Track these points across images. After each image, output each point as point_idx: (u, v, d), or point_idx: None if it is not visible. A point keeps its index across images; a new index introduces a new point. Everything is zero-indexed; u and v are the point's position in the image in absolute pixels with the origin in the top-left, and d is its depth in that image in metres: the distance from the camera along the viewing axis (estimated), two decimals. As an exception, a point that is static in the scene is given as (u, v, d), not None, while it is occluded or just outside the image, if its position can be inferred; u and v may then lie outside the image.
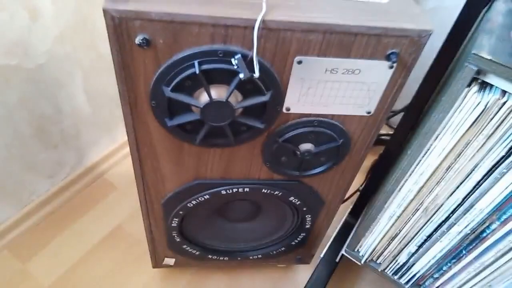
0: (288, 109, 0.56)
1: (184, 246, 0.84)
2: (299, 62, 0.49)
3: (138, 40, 0.44)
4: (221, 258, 0.90)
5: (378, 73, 0.52)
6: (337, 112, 0.58)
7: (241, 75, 0.46)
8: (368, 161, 1.20)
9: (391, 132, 0.96)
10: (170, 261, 0.90)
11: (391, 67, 0.51)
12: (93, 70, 1.01)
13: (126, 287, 0.97)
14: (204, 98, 0.50)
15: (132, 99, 0.52)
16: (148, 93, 0.51)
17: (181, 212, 0.72)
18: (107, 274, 0.98)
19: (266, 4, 0.45)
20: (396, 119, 0.84)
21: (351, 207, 1.02)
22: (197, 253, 0.87)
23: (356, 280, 1.03)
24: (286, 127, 0.58)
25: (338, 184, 0.73)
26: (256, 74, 0.46)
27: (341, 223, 1.01)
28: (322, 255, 0.94)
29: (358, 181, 0.99)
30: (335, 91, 0.54)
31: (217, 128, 0.54)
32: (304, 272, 1.04)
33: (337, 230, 0.98)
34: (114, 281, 0.97)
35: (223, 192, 0.69)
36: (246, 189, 0.69)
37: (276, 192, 0.71)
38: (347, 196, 1.11)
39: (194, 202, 0.70)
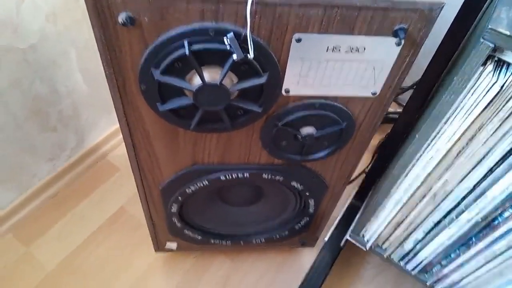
0: (287, 91, 0.52)
1: (185, 231, 0.82)
2: (298, 40, 0.45)
3: (121, 18, 0.41)
4: (224, 243, 0.89)
5: (385, 51, 0.48)
6: (340, 94, 0.54)
7: (235, 56, 0.42)
8: (375, 140, 1.16)
9: (400, 110, 0.92)
10: (172, 245, 0.89)
11: (399, 44, 0.47)
12: (87, 49, 0.97)
13: (129, 270, 0.96)
14: (196, 81, 0.47)
15: (121, 83, 0.49)
16: (136, 76, 0.47)
17: (180, 198, 0.70)
18: (110, 257, 0.98)
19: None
20: (406, 96, 0.79)
21: (356, 189, 0.99)
22: (199, 237, 0.85)
23: (361, 264, 1.02)
24: (286, 110, 0.55)
25: (342, 168, 0.70)
26: (251, 54, 0.42)
27: (346, 205, 0.98)
28: (326, 239, 0.92)
29: (364, 162, 0.95)
30: (338, 71, 0.50)
31: (212, 113, 0.51)
32: (308, 255, 1.02)
33: (342, 213, 0.95)
34: (117, 264, 0.97)
35: (222, 177, 0.66)
36: (246, 174, 0.67)
37: (278, 177, 0.68)
38: (352, 177, 1.08)
39: (192, 187, 0.68)
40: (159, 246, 0.90)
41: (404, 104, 0.71)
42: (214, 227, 0.86)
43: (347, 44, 0.47)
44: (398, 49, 0.48)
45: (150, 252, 0.98)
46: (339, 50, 0.47)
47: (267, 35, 0.44)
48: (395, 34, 0.46)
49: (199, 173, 0.65)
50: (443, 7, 0.44)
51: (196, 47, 0.43)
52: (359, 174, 1.06)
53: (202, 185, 0.67)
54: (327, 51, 0.47)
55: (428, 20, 0.45)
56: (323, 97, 0.54)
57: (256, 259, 1.01)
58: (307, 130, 0.59)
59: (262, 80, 0.48)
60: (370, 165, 0.98)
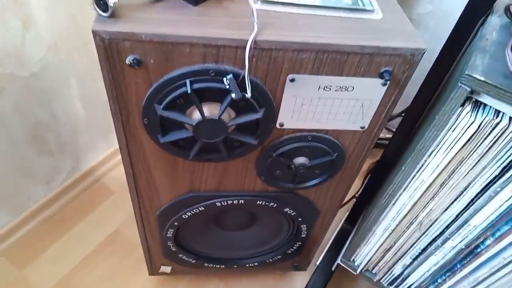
0: (281, 125, 0.55)
1: (180, 255, 0.84)
2: (292, 80, 0.49)
3: (128, 60, 0.44)
4: (218, 266, 0.90)
5: (372, 90, 0.52)
6: (331, 127, 0.57)
7: (233, 95, 0.46)
8: (366, 164, 1.20)
9: (389, 136, 0.95)
10: (167, 269, 0.90)
11: (385, 84, 0.51)
12: (87, 75, 1.00)
13: (123, 293, 0.97)
14: (196, 115, 0.50)
15: (125, 117, 0.51)
16: (140, 111, 0.50)
17: (176, 223, 0.72)
18: (104, 280, 0.99)
19: (258, 23, 0.45)
20: (396, 122, 0.83)
21: (347, 213, 1.02)
22: (193, 261, 0.87)
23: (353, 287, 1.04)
24: (280, 142, 0.58)
25: (333, 195, 0.73)
26: (248, 94, 0.46)
27: (337, 229, 1.01)
28: (318, 263, 0.94)
29: (355, 186, 0.98)
30: (328, 107, 0.54)
31: (211, 144, 0.54)
32: (300, 279, 1.04)
33: (333, 237, 0.98)
34: (112, 287, 0.97)
35: (218, 204, 0.69)
36: (241, 201, 0.69)
37: (271, 204, 0.71)
38: (344, 201, 1.11)
39: (189, 213, 0.70)
40: (153, 270, 0.91)
41: (394, 130, 0.75)
42: (209, 251, 0.87)
43: (337, 84, 0.50)
44: (384, 89, 0.52)
45: (144, 275, 0.99)
46: (330, 89, 0.51)
47: (263, 75, 0.48)
48: (380, 75, 0.50)
49: (196, 200, 0.68)
50: (424, 52, 0.48)
51: (197, 86, 0.47)
52: (351, 198, 1.09)
53: (198, 211, 0.69)
54: (318, 89, 0.51)
55: (410, 63, 0.49)
56: (315, 130, 0.58)
57: (249, 283, 1.02)
58: (300, 160, 0.62)
59: (258, 115, 0.51)
60: (361, 190, 1.01)
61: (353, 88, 0.51)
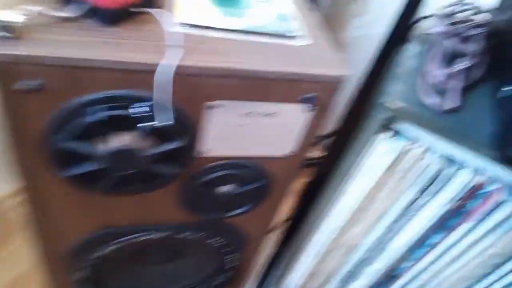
0: (204, 153, 0.52)
1: (97, 297, 0.75)
2: (213, 107, 0.46)
3: (26, 85, 0.38)
4: (141, 304, 0.83)
5: (296, 116, 0.51)
6: (256, 154, 0.55)
7: (143, 124, 0.42)
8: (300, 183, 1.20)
9: (322, 155, 0.96)
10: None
11: (310, 110, 0.50)
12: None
13: None
14: (107, 145, 0.45)
15: (23, 148, 0.44)
16: (42, 141, 0.44)
17: (89, 262, 0.64)
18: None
19: (176, 48, 0.42)
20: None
21: (281, 237, 1.00)
22: (113, 302, 0.78)
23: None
24: (203, 170, 0.55)
25: (261, 221, 0.71)
26: (159, 122, 0.42)
27: (271, 254, 0.99)
28: (250, 291, 0.90)
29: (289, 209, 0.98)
30: (253, 134, 0.52)
31: (126, 175, 0.49)
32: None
33: (268, 263, 0.95)
34: None
35: (137, 239, 0.63)
36: (163, 235, 0.64)
37: (197, 235, 0.67)
38: (278, 225, 1.10)
39: (104, 251, 0.63)
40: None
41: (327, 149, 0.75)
42: (131, 288, 0.80)
43: (261, 110, 0.49)
44: (309, 114, 0.51)
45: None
46: (253, 115, 0.49)
47: (182, 102, 0.44)
48: (305, 101, 0.49)
49: (111, 236, 0.61)
50: (346, 79, 0.48)
51: (105, 114, 0.42)
52: (284, 221, 1.08)
53: (114, 248, 0.63)
54: (241, 116, 0.49)
55: (333, 90, 0.49)
56: (241, 157, 0.55)
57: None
58: (226, 188, 0.59)
59: (176, 144, 0.47)
60: (293, 213, 1.01)
61: (278, 114, 0.50)
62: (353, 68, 0.50)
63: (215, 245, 0.72)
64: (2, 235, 1.02)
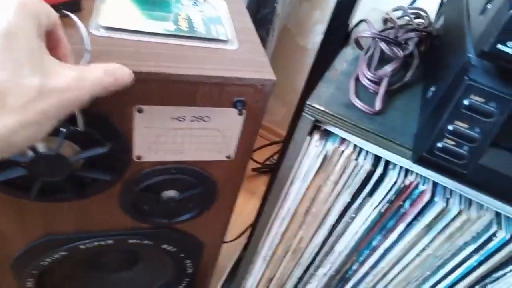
0: (139, 158, 0.52)
1: (48, 307, 0.74)
2: (140, 111, 0.46)
3: None
4: (98, 313, 0.82)
5: (229, 120, 0.51)
6: (195, 158, 0.55)
7: (63, 129, 0.41)
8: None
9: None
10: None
11: (240, 114, 0.50)
12: None
13: None
14: (31, 150, 0.44)
15: None
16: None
17: (34, 272, 0.63)
18: None
19: (95, 51, 0.41)
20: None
21: (245, 243, 1.00)
22: (67, 311, 0.77)
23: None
24: (141, 175, 0.54)
25: (214, 226, 0.70)
26: (81, 127, 0.42)
27: (234, 260, 0.98)
28: (212, 297, 0.90)
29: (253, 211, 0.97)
30: (188, 138, 0.52)
31: (55, 182, 0.48)
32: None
33: (229, 268, 0.95)
34: None
35: (82, 246, 0.62)
36: (110, 241, 0.63)
37: (146, 242, 0.66)
38: (242, 231, 1.10)
39: (49, 259, 0.62)
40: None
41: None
42: (85, 297, 0.79)
43: (192, 114, 0.49)
44: (241, 119, 0.51)
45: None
46: (185, 119, 0.49)
47: (107, 106, 0.44)
48: (234, 105, 0.49)
49: (54, 244, 0.60)
50: (274, 83, 0.48)
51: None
52: (248, 226, 1.08)
53: (59, 255, 0.62)
54: (172, 120, 0.48)
55: (262, 94, 0.49)
56: (179, 162, 0.55)
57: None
58: (169, 193, 0.58)
59: (104, 149, 0.47)
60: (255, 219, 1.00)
61: (210, 118, 0.50)
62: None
63: (171, 251, 0.71)
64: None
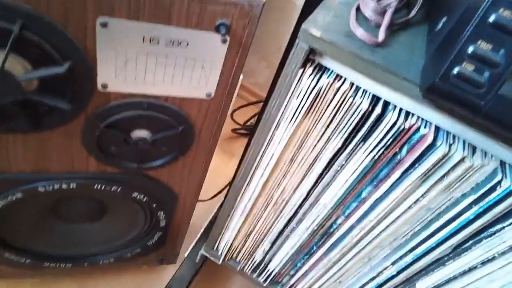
0: (104, 86, 0.45)
1: (6, 255, 0.68)
2: (104, 25, 0.39)
3: None
4: (63, 265, 0.76)
5: (210, 48, 0.44)
6: (170, 93, 0.49)
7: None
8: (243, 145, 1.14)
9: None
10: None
11: (224, 41, 0.44)
12: None
13: None
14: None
15: None
16: None
17: (-10, 214, 0.57)
18: None
19: None
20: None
21: (221, 201, 0.95)
22: (28, 261, 0.71)
23: (225, 279, 0.98)
24: (107, 109, 0.48)
25: (190, 177, 0.65)
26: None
27: (210, 217, 0.94)
28: (186, 255, 0.85)
29: (231, 173, 0.92)
30: (162, 67, 0.45)
31: (7, 108, 0.42)
32: (172, 273, 0.94)
33: (205, 226, 0.91)
34: None
35: (41, 189, 0.55)
36: (72, 185, 0.57)
37: (113, 188, 0.60)
38: (220, 189, 1.05)
39: (3, 202, 0.56)
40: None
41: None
42: (48, 248, 0.73)
43: (166, 35, 0.42)
44: (224, 47, 0.45)
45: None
46: (158, 42, 0.42)
47: (60, 15, 0.37)
48: (217, 29, 0.42)
49: (8, 184, 0.54)
50: (263, 4, 0.41)
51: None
52: (226, 185, 1.03)
53: (14, 198, 0.55)
54: (143, 41, 0.42)
55: (250, 17, 0.42)
56: (152, 96, 0.48)
57: (109, 281, 0.89)
58: (139, 133, 0.52)
59: (60, 69, 0.40)
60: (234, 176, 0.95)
61: (188, 43, 0.43)
62: None
63: (142, 201, 0.65)
64: None
